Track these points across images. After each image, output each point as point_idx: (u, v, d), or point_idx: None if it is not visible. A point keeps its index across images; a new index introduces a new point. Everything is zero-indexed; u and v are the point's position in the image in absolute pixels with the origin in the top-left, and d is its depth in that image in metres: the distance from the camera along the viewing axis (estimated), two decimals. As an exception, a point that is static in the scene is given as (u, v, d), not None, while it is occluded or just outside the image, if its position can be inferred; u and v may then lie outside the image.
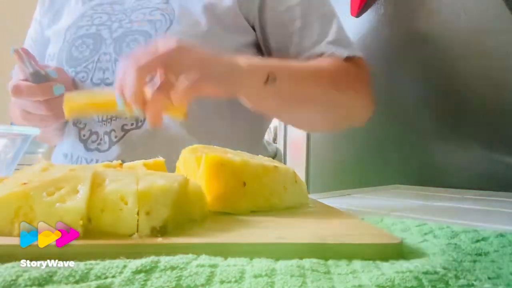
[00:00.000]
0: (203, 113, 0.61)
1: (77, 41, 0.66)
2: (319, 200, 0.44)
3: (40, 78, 0.54)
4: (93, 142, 0.63)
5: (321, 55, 0.60)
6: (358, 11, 1.01)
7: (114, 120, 0.61)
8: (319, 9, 0.64)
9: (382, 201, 0.54)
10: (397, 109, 0.92)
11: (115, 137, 0.61)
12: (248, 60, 0.48)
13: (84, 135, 0.63)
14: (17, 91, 0.54)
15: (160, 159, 0.40)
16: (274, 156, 0.78)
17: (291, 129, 1.29)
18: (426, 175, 0.84)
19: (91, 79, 0.63)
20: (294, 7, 0.63)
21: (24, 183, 0.24)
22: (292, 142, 1.29)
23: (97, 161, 0.61)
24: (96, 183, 0.25)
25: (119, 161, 0.34)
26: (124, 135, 0.61)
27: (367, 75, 0.63)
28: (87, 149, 0.63)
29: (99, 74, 0.63)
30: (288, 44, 0.63)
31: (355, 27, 1.02)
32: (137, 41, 0.61)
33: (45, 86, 0.55)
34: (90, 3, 0.71)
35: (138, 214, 0.23)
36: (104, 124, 0.62)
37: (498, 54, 0.73)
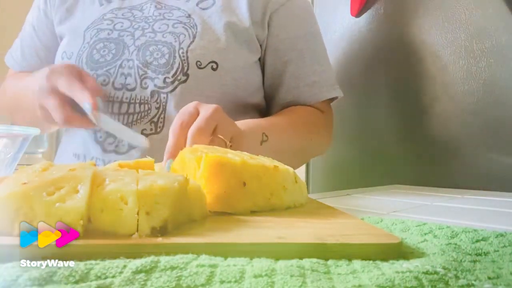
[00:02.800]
0: None
1: (98, 44, 0.67)
2: (319, 200, 0.44)
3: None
4: (110, 144, 0.63)
5: (301, 95, 0.73)
6: (358, 11, 1.01)
7: (134, 124, 0.63)
8: (312, 46, 0.75)
9: (382, 201, 0.54)
10: (397, 108, 0.92)
11: None
12: (246, 126, 0.57)
13: (100, 137, 0.64)
14: (69, 122, 0.56)
15: (150, 159, 0.40)
16: None
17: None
18: (426, 175, 0.84)
19: (113, 84, 0.64)
20: (292, 39, 0.73)
21: (24, 183, 0.24)
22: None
23: None
24: (96, 183, 0.25)
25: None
26: None
27: (330, 118, 0.77)
28: (105, 150, 0.64)
29: (121, 79, 0.64)
30: (280, 71, 0.73)
31: (355, 27, 1.02)
32: (161, 52, 0.64)
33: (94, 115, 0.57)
34: (109, 6, 0.72)
35: (138, 214, 0.23)
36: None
37: (496, 54, 0.73)
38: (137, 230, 0.23)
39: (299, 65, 0.73)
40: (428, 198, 0.58)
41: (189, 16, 0.68)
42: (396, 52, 0.92)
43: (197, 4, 0.70)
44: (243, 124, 0.57)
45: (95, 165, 0.33)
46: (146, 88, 0.63)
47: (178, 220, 0.26)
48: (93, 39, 0.68)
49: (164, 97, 0.63)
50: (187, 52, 0.64)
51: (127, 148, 0.63)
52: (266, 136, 0.60)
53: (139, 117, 0.63)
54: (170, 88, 0.63)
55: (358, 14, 1.01)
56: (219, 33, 0.67)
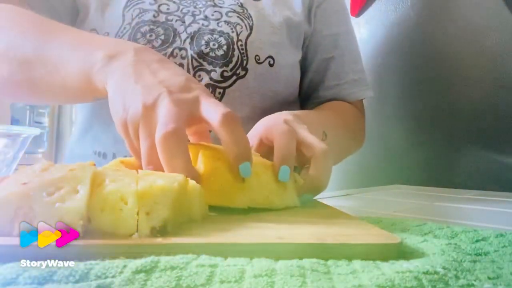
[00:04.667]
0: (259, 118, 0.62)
1: (143, 27, 0.59)
2: (319, 200, 0.44)
3: None
4: None
5: (342, 93, 0.70)
6: (358, 11, 1.01)
7: None
8: (350, 44, 0.73)
9: (382, 201, 0.54)
10: (397, 109, 0.92)
11: None
12: (310, 124, 0.49)
13: None
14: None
15: None
16: None
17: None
18: (426, 175, 0.84)
19: None
20: (334, 36, 0.71)
21: (24, 183, 0.24)
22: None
23: None
24: (96, 183, 0.25)
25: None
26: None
27: (364, 117, 0.75)
28: None
29: None
30: (322, 69, 0.70)
31: (355, 27, 1.02)
32: (218, 42, 0.59)
33: None
34: None
35: (138, 214, 0.23)
36: None
37: (496, 53, 0.73)
38: (137, 230, 0.23)
39: (340, 63, 0.70)
40: (428, 198, 0.58)
41: (242, 5, 0.63)
42: (396, 52, 0.92)
43: None
44: (306, 120, 0.48)
45: (94, 165, 0.33)
46: (200, 81, 0.57)
47: (178, 220, 0.26)
48: (135, 20, 0.59)
49: (219, 93, 0.58)
50: (245, 44, 0.59)
51: None
52: (326, 135, 0.55)
53: None
54: (228, 82, 0.58)
55: (358, 14, 1.01)
56: (275, 27, 0.63)
